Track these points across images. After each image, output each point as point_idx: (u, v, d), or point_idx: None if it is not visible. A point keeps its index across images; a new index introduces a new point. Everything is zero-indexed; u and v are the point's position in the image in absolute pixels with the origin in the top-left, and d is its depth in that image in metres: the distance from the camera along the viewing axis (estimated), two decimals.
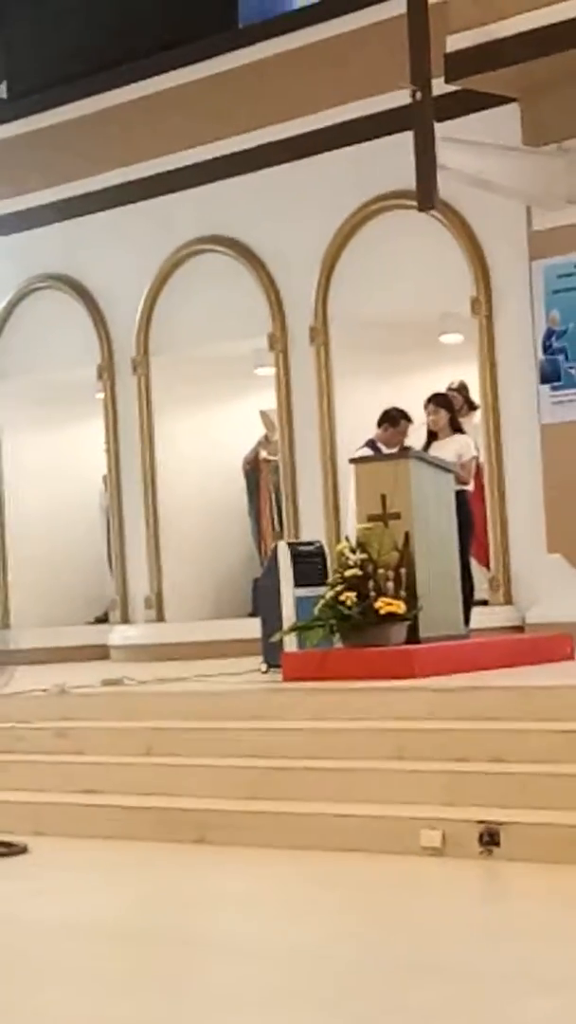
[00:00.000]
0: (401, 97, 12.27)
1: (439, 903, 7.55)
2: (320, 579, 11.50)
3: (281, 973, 6.35)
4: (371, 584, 10.74)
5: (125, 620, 16.59)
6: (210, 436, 16.54)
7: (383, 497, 11.01)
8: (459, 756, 8.94)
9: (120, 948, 6.94)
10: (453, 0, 12.90)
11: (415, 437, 12.48)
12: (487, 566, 13.99)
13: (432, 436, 12.17)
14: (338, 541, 12.46)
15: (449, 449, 11.97)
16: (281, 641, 11.26)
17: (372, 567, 10.80)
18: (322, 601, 10.91)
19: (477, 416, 14.28)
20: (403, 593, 10.75)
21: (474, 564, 12.51)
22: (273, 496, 16.19)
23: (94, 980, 6.38)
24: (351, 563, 10.87)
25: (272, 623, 11.56)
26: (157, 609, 16.33)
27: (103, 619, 17.16)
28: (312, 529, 14.59)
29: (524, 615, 13.56)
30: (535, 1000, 5.67)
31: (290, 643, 11.21)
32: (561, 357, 13.29)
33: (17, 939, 7.26)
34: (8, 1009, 5.92)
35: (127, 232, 16.42)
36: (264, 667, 11.59)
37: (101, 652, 16.48)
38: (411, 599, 10.79)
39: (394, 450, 12.17)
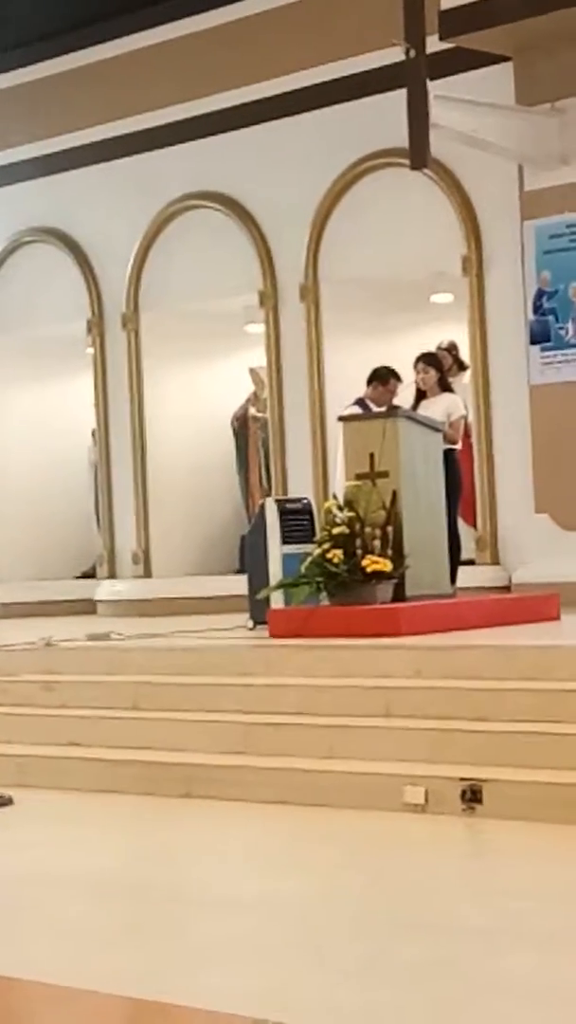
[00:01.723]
0: (394, 54, 12.23)
1: (422, 859, 7.61)
2: (307, 536, 11.52)
3: (266, 927, 6.40)
4: (358, 542, 10.77)
5: (112, 575, 16.61)
6: (199, 392, 16.54)
7: (371, 455, 11.02)
8: (443, 714, 8.98)
9: (105, 901, 6.99)
10: None
11: (404, 396, 12.49)
12: (474, 526, 14.02)
13: (421, 395, 12.18)
14: (326, 499, 12.49)
15: (438, 408, 11.98)
16: (268, 598, 11.29)
17: (359, 525, 10.82)
18: (309, 559, 10.94)
19: (466, 376, 14.28)
20: (390, 551, 10.78)
21: (461, 524, 12.53)
22: (261, 453, 16.20)
23: (79, 933, 6.43)
24: (338, 521, 10.89)
25: (259, 580, 11.59)
26: (144, 564, 16.35)
27: (90, 574, 17.19)
28: (300, 486, 14.61)
29: (511, 575, 13.60)
30: (517, 955, 5.73)
31: (277, 600, 11.25)
32: (551, 318, 13.29)
33: (2, 890, 7.30)
34: None
35: (117, 187, 16.37)
36: (250, 624, 11.62)
37: (88, 607, 16.51)
38: (398, 558, 10.82)
39: (383, 409, 12.17)
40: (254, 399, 16.42)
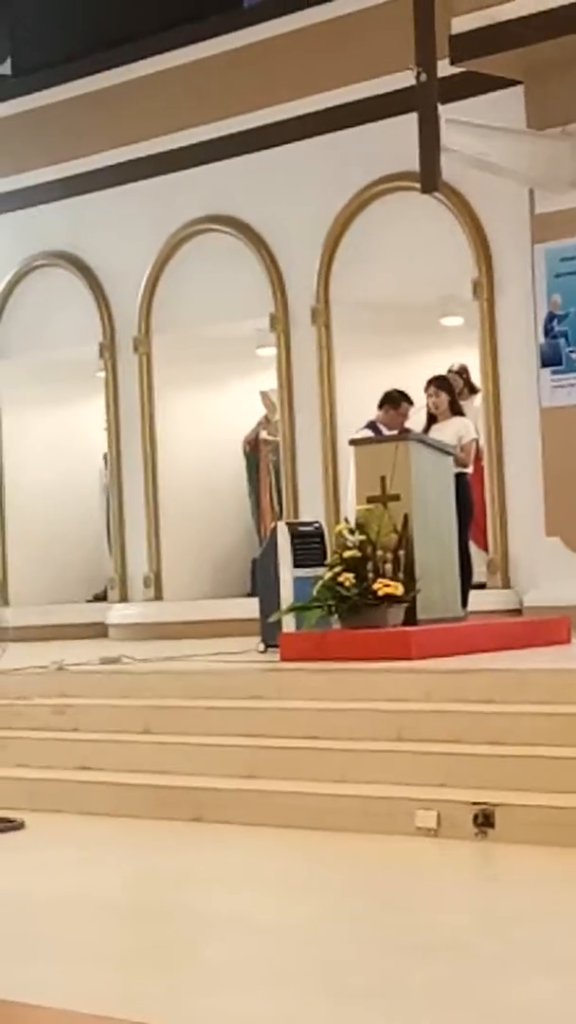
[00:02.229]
0: (405, 78, 12.26)
1: (434, 883, 7.59)
2: (319, 560, 11.52)
3: (277, 951, 6.38)
4: (369, 565, 10.76)
5: (124, 599, 16.61)
6: (211, 416, 16.55)
7: (383, 479, 11.02)
8: (455, 738, 8.97)
9: (116, 924, 6.98)
10: None
11: (415, 419, 12.49)
12: (485, 549, 14.01)
13: (432, 419, 12.20)
14: (337, 522, 12.48)
15: (449, 431, 11.98)
16: (279, 621, 11.28)
17: (371, 548, 10.82)
18: (320, 582, 10.93)
19: (477, 399, 14.29)
20: (401, 575, 10.77)
21: (472, 547, 12.52)
22: (273, 476, 16.20)
23: (90, 955, 6.41)
24: (350, 544, 10.89)
25: (270, 603, 11.58)
26: (155, 588, 16.35)
27: (102, 597, 17.18)
28: (311, 510, 14.61)
29: (522, 598, 13.58)
30: (531, 981, 5.71)
31: (288, 623, 11.24)
32: (562, 341, 13.29)
33: (13, 914, 7.29)
34: (4, 984, 5.95)
35: (130, 210, 16.40)
36: (262, 647, 11.61)
37: (99, 630, 16.51)
38: (409, 581, 10.81)
39: (395, 432, 12.18)
40: (265, 422, 16.43)
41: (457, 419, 12.22)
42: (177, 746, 9.83)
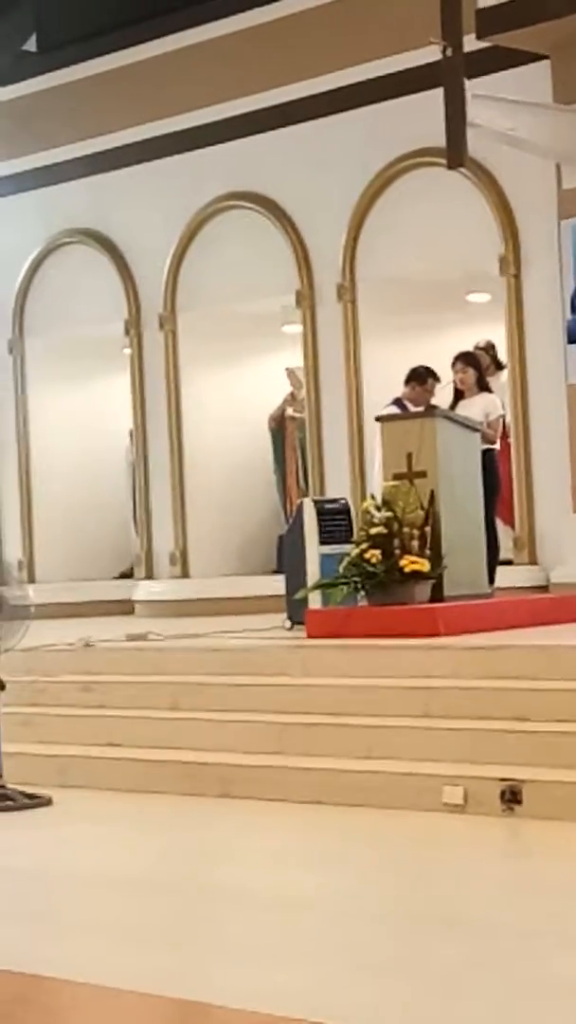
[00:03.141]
0: (432, 53, 12.19)
1: (461, 859, 7.59)
2: (345, 537, 11.51)
3: (304, 927, 6.40)
4: (396, 542, 10.75)
5: (150, 576, 16.63)
6: (236, 393, 16.54)
7: (409, 455, 11.01)
8: (482, 714, 8.97)
9: (145, 899, 7.00)
10: None
11: (442, 396, 12.46)
12: (512, 525, 13.98)
13: (459, 395, 12.16)
14: (363, 499, 12.46)
15: (476, 408, 11.96)
16: (305, 598, 11.29)
17: (397, 525, 10.81)
18: (347, 559, 10.93)
19: (504, 376, 14.25)
20: (428, 551, 10.76)
21: (499, 523, 12.50)
22: (299, 453, 16.19)
23: (119, 932, 6.44)
24: (376, 521, 10.88)
25: (297, 580, 11.58)
26: (182, 565, 16.37)
27: (128, 574, 17.21)
28: (337, 487, 14.59)
29: (548, 575, 13.56)
30: (559, 956, 5.71)
31: (314, 600, 11.24)
32: None
33: (42, 890, 7.33)
34: (34, 959, 5.98)
35: (155, 187, 16.38)
36: (288, 624, 11.62)
37: (126, 607, 16.54)
38: (436, 557, 10.80)
39: (421, 408, 12.16)
40: (291, 399, 16.42)
41: (484, 395, 12.19)
42: (204, 722, 9.84)
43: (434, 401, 12.39)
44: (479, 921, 6.29)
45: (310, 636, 10.81)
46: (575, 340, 13.29)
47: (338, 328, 15.13)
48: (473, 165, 13.19)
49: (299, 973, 5.66)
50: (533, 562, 13.89)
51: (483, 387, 12.27)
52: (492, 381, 13.24)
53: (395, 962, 5.78)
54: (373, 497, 11.43)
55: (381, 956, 5.87)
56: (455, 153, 12.03)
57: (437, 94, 12.11)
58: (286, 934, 6.27)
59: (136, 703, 10.40)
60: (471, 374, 12.18)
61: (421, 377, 12.51)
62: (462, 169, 12.73)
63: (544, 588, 13.47)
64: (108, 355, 17.11)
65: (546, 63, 13.26)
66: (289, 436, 16.38)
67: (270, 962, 5.83)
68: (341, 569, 10.95)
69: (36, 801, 9.24)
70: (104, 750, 9.97)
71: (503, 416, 12.51)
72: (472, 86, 12.03)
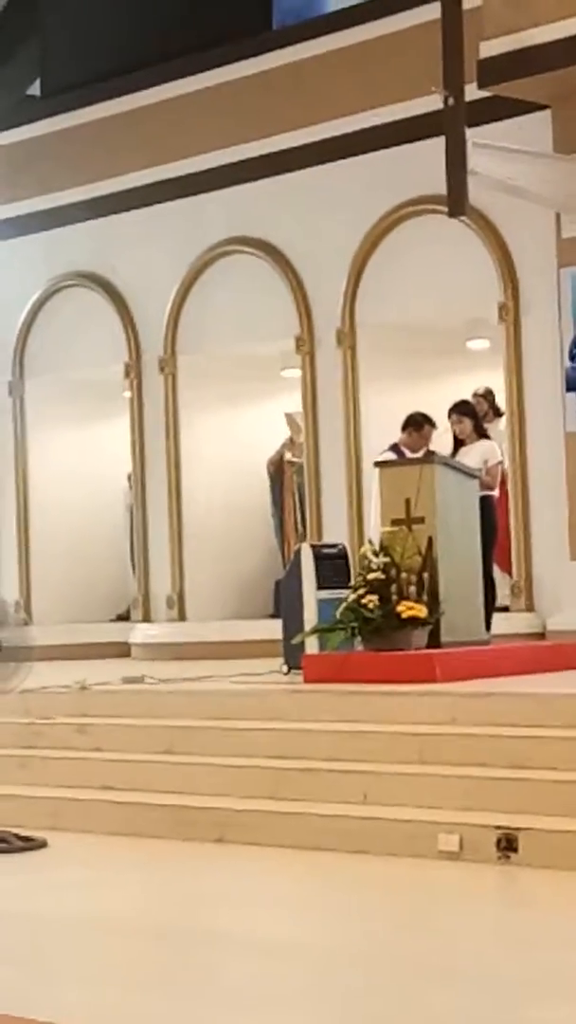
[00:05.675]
0: (433, 102, 12.28)
1: (456, 907, 7.57)
2: (343, 582, 11.51)
3: (298, 973, 6.37)
4: (393, 588, 10.75)
5: (147, 618, 16.63)
6: (235, 437, 16.58)
7: (407, 501, 11.02)
8: (479, 761, 8.95)
9: (138, 944, 6.97)
10: (487, 6, 12.93)
11: (442, 443, 12.49)
12: (509, 572, 13.99)
13: (459, 442, 12.20)
14: (361, 544, 12.48)
15: (475, 454, 11.99)
16: (302, 643, 11.27)
17: (395, 571, 10.81)
18: (344, 604, 10.92)
19: (502, 423, 14.28)
20: (425, 597, 10.76)
21: (496, 570, 12.51)
22: (297, 498, 16.21)
23: (112, 977, 6.41)
24: (374, 566, 10.88)
25: (294, 625, 11.57)
26: (179, 608, 16.37)
27: (125, 617, 17.20)
28: (335, 532, 14.61)
29: (545, 622, 13.57)
30: (551, 1007, 5.68)
31: (311, 645, 11.23)
32: None
33: (35, 933, 7.30)
34: (26, 1003, 5.95)
35: (157, 232, 16.46)
36: (285, 668, 11.60)
37: (122, 650, 16.52)
38: (433, 603, 10.80)
39: (418, 454, 12.18)
40: (290, 444, 16.45)
41: (483, 442, 12.23)
42: (199, 767, 9.82)
43: (434, 448, 12.42)
44: (473, 971, 6.26)
45: (307, 681, 10.80)
46: (573, 388, 13.34)
47: (337, 373, 15.18)
48: (474, 213, 13.27)
49: (291, 1021, 5.64)
50: (530, 609, 13.90)
51: (481, 434, 12.31)
52: (490, 428, 13.29)
53: (389, 1011, 5.75)
54: (371, 542, 11.43)
55: (374, 1005, 5.84)
56: (456, 201, 12.10)
57: (438, 142, 12.20)
58: (279, 981, 6.24)
59: (131, 746, 10.37)
60: (467, 423, 12.22)
61: (418, 424, 12.54)
62: (463, 217, 12.80)
63: (541, 635, 13.48)
64: (108, 398, 17.15)
65: (547, 113, 13.35)
66: (287, 481, 16.40)
67: (263, 1009, 5.80)
68: (338, 614, 10.95)
69: (30, 844, 9.21)
70: (99, 793, 9.94)
71: (501, 462, 12.54)
72: (473, 135, 12.11)
